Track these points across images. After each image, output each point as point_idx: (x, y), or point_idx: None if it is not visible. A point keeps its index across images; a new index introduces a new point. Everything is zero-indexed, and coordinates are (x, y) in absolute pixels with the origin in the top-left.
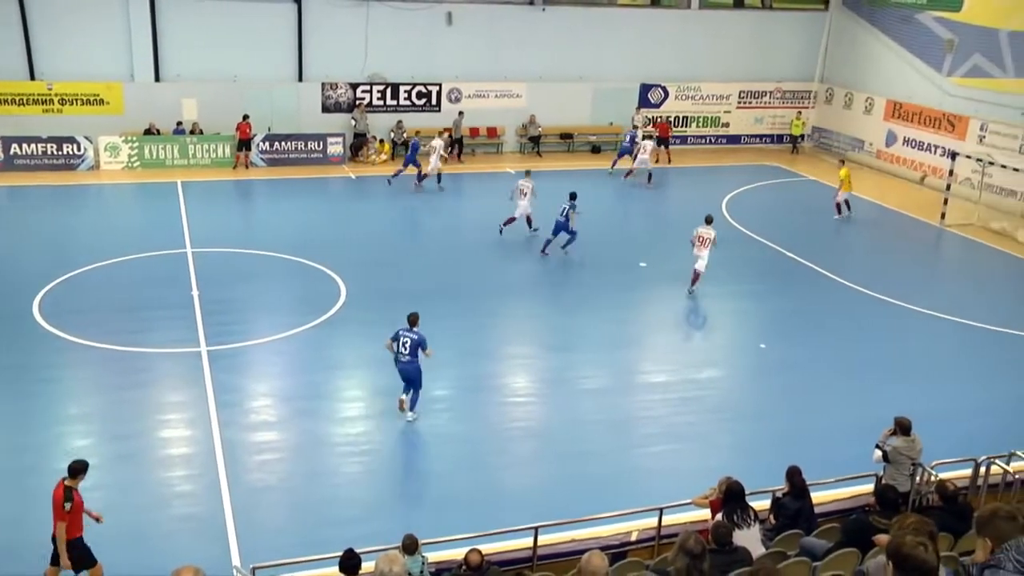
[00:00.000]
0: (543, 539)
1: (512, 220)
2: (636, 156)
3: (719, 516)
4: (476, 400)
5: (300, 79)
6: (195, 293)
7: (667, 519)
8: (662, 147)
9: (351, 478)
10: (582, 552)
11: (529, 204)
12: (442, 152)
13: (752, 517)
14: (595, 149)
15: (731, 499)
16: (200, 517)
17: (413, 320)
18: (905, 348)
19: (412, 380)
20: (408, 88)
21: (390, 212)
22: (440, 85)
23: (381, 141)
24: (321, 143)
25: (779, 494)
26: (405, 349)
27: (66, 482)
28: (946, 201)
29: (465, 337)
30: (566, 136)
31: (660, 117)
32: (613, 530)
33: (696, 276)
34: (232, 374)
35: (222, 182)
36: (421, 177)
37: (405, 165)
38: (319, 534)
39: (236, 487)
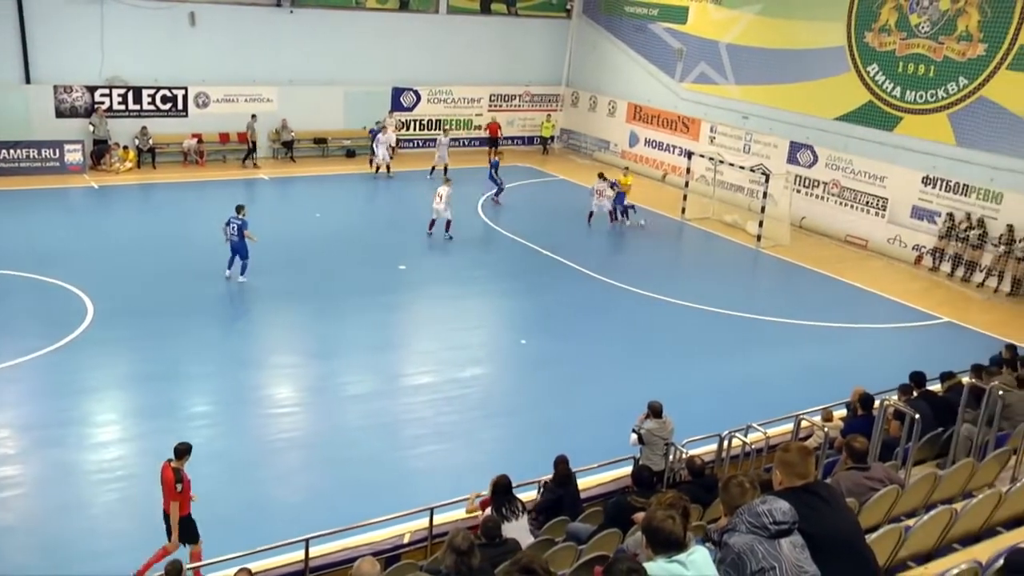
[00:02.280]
0: (315, 550)
1: (446, 223)
2: (437, 156)
3: (488, 510)
4: (237, 414)
5: (28, 81)
6: None
7: (438, 518)
8: (493, 147)
9: (107, 507)
10: (355, 560)
11: (447, 208)
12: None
13: (520, 508)
14: (350, 153)
15: (499, 493)
16: None
17: (239, 209)
18: (655, 335)
19: (238, 251)
20: (152, 92)
21: (138, 223)
22: (186, 89)
23: (125, 148)
24: (57, 151)
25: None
26: (234, 231)
27: (173, 464)
28: (685, 197)
29: (222, 349)
30: (320, 141)
31: (492, 118)
32: (386, 534)
33: (606, 213)
34: None
35: None
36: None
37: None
38: (73, 571)
39: None
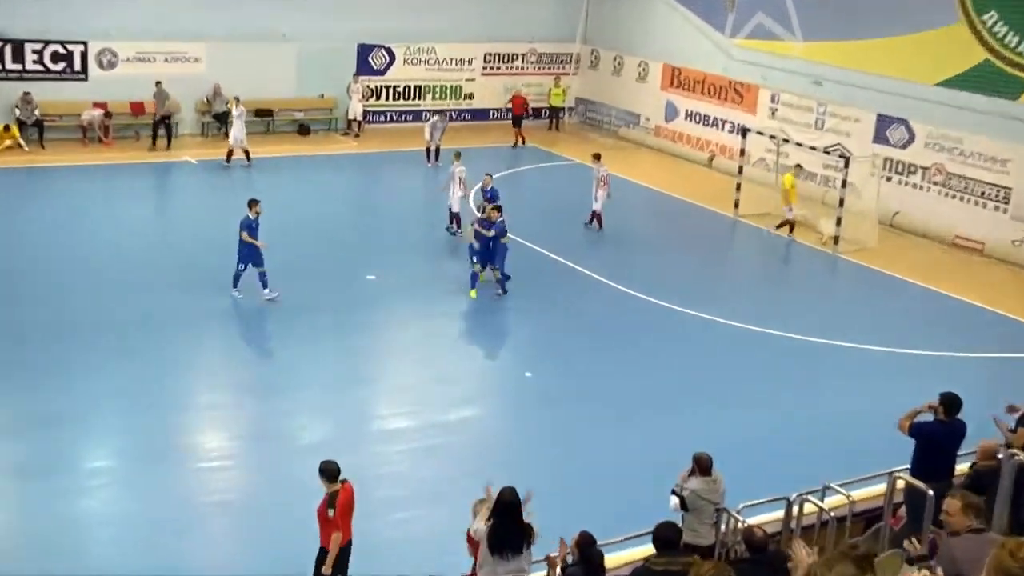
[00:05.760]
0: None
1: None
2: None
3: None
4: (153, 469)
5: None
6: None
7: None
8: (517, 127)
9: None
10: None
11: (463, 195)
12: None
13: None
14: (303, 129)
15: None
16: None
17: (250, 204)
18: (702, 367)
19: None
20: (39, 47)
21: (19, 220)
22: (86, 44)
23: (6, 128)
24: None
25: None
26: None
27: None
28: (739, 187)
29: (136, 385)
30: (263, 113)
31: (518, 89)
32: None
33: (593, 215)
34: None
35: None
36: None
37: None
38: None
39: None
